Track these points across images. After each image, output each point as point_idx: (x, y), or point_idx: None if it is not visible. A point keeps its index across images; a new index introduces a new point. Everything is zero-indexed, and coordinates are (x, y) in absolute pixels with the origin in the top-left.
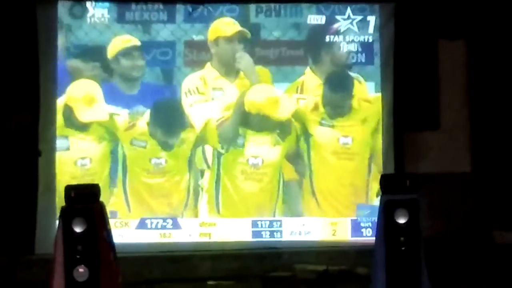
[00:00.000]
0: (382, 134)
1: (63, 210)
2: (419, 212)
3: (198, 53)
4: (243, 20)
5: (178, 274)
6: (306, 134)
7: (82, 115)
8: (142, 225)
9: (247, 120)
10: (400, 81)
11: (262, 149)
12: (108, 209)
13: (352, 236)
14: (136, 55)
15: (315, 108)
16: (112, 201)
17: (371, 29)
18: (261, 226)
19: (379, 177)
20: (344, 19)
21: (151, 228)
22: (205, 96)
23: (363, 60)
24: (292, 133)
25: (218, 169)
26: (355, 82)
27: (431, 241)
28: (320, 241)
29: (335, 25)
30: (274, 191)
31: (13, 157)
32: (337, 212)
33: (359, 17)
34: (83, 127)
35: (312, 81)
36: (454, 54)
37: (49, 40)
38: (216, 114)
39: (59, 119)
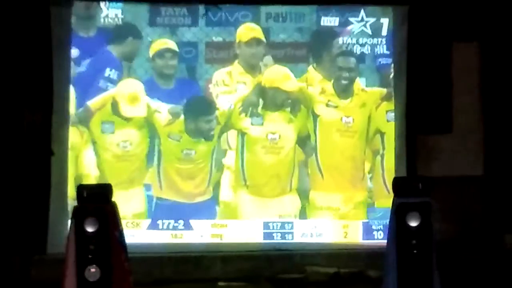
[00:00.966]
0: (395, 137)
1: (75, 210)
2: (431, 215)
3: (217, 52)
4: (255, 22)
5: (189, 274)
6: (314, 116)
7: (126, 111)
8: (153, 225)
9: (264, 96)
10: (413, 84)
11: (279, 126)
12: (144, 182)
13: (363, 239)
14: (169, 56)
15: (323, 91)
16: (147, 177)
17: (384, 32)
18: (273, 228)
19: (371, 156)
20: (358, 21)
21: (162, 229)
22: (230, 88)
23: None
24: (302, 110)
25: (242, 147)
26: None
27: (442, 244)
28: (332, 243)
29: (348, 27)
30: (291, 164)
31: (25, 156)
32: (339, 187)
33: (373, 20)
34: (126, 119)
35: (316, 77)
36: (468, 57)
37: (62, 39)
38: (238, 102)
39: (107, 107)
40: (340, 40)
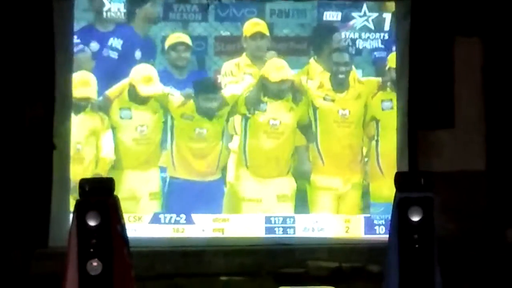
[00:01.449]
0: (397, 132)
1: (77, 203)
2: (433, 210)
3: (225, 46)
4: (260, 18)
5: (191, 269)
6: (314, 108)
7: (142, 91)
8: (155, 219)
9: (267, 88)
10: (415, 79)
11: (280, 113)
12: (159, 164)
13: (365, 233)
14: (183, 49)
15: (321, 86)
16: (162, 160)
17: (386, 26)
18: (274, 223)
19: (367, 141)
20: (360, 16)
21: (164, 223)
22: (237, 78)
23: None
24: (303, 100)
25: (245, 131)
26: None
27: (444, 239)
28: (333, 238)
29: (351, 22)
30: (290, 148)
31: (27, 150)
32: (338, 171)
33: (375, 14)
34: (142, 101)
35: (316, 68)
36: (470, 52)
37: (65, 33)
38: (245, 91)
39: (124, 95)
40: (342, 34)
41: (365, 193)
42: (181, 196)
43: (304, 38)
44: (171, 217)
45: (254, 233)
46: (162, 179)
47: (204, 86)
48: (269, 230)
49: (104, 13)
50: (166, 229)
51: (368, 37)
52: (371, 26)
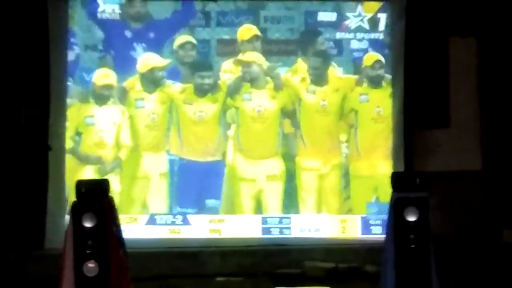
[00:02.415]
0: (393, 131)
1: (73, 205)
2: (429, 210)
3: (225, 47)
4: (255, 24)
5: (187, 270)
6: (298, 99)
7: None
8: (151, 221)
9: (251, 77)
10: (410, 79)
11: (263, 100)
12: (167, 147)
13: (361, 234)
14: (189, 47)
15: (303, 80)
16: (169, 143)
17: (381, 27)
18: (271, 223)
19: (348, 129)
20: (355, 16)
21: (160, 224)
22: (235, 75)
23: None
24: (284, 90)
25: (238, 120)
26: (330, 67)
27: (440, 239)
28: (330, 238)
29: (346, 22)
30: (275, 132)
31: (23, 152)
32: (319, 154)
33: (370, 15)
34: (153, 89)
35: (303, 67)
36: (465, 52)
37: (60, 35)
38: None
39: (139, 85)
40: (324, 37)
41: (345, 173)
42: (186, 175)
43: (292, 41)
44: (167, 218)
45: (250, 234)
46: (169, 161)
47: (199, 66)
48: (265, 230)
49: (99, 14)
50: (162, 230)
51: (363, 37)
52: (366, 26)
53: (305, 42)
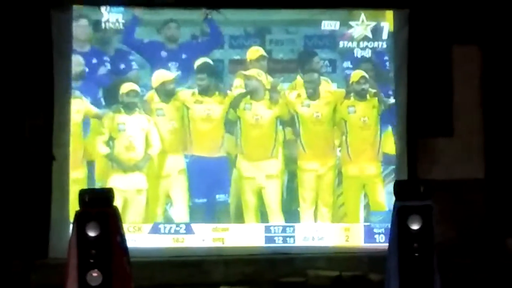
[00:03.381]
0: (396, 140)
1: (77, 214)
2: (433, 218)
3: (236, 66)
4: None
5: (191, 279)
6: (295, 112)
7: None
8: (155, 230)
9: (251, 90)
10: (414, 87)
11: (261, 110)
12: (183, 147)
13: (365, 242)
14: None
15: (299, 96)
16: (185, 143)
17: (385, 35)
18: (274, 232)
19: (340, 136)
20: (358, 25)
21: (164, 233)
22: (244, 89)
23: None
24: (280, 102)
25: (240, 123)
26: (323, 81)
27: (444, 248)
28: (333, 247)
29: (349, 31)
30: (271, 136)
31: (27, 161)
32: (315, 156)
33: (373, 23)
34: (167, 100)
35: (301, 83)
36: (468, 60)
37: (63, 44)
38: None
39: (157, 97)
40: (319, 57)
41: (339, 173)
42: (199, 170)
43: (293, 60)
44: (170, 227)
45: (254, 243)
46: (185, 157)
47: (204, 69)
48: (268, 239)
49: (103, 24)
50: (166, 239)
51: (366, 46)
52: (369, 35)
53: (303, 61)
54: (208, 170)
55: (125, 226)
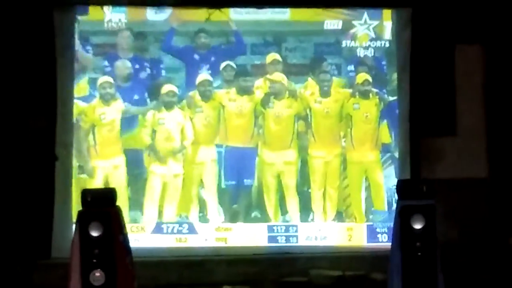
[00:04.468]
0: (399, 139)
1: (80, 214)
2: (436, 217)
3: (257, 70)
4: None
5: (194, 278)
6: (309, 108)
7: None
8: (158, 229)
9: (275, 91)
10: (416, 87)
11: (282, 108)
12: (216, 139)
13: (368, 242)
14: (230, 69)
15: (312, 94)
16: (219, 136)
17: (387, 35)
18: (277, 231)
19: (345, 128)
20: (361, 24)
21: (167, 233)
22: (265, 90)
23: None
24: (298, 101)
25: (264, 118)
26: (332, 83)
27: (447, 247)
28: (336, 247)
29: (351, 30)
30: (290, 130)
31: (29, 161)
32: (324, 145)
33: (376, 22)
34: (206, 100)
35: (312, 84)
36: (471, 59)
37: (66, 44)
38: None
39: (198, 96)
40: (328, 61)
41: (344, 160)
42: (230, 158)
43: (305, 65)
44: (173, 227)
45: (257, 242)
46: (217, 146)
47: (241, 72)
48: (271, 239)
49: (105, 24)
50: (169, 238)
51: (369, 45)
52: (372, 34)
53: (314, 66)
54: (238, 158)
55: (128, 226)
